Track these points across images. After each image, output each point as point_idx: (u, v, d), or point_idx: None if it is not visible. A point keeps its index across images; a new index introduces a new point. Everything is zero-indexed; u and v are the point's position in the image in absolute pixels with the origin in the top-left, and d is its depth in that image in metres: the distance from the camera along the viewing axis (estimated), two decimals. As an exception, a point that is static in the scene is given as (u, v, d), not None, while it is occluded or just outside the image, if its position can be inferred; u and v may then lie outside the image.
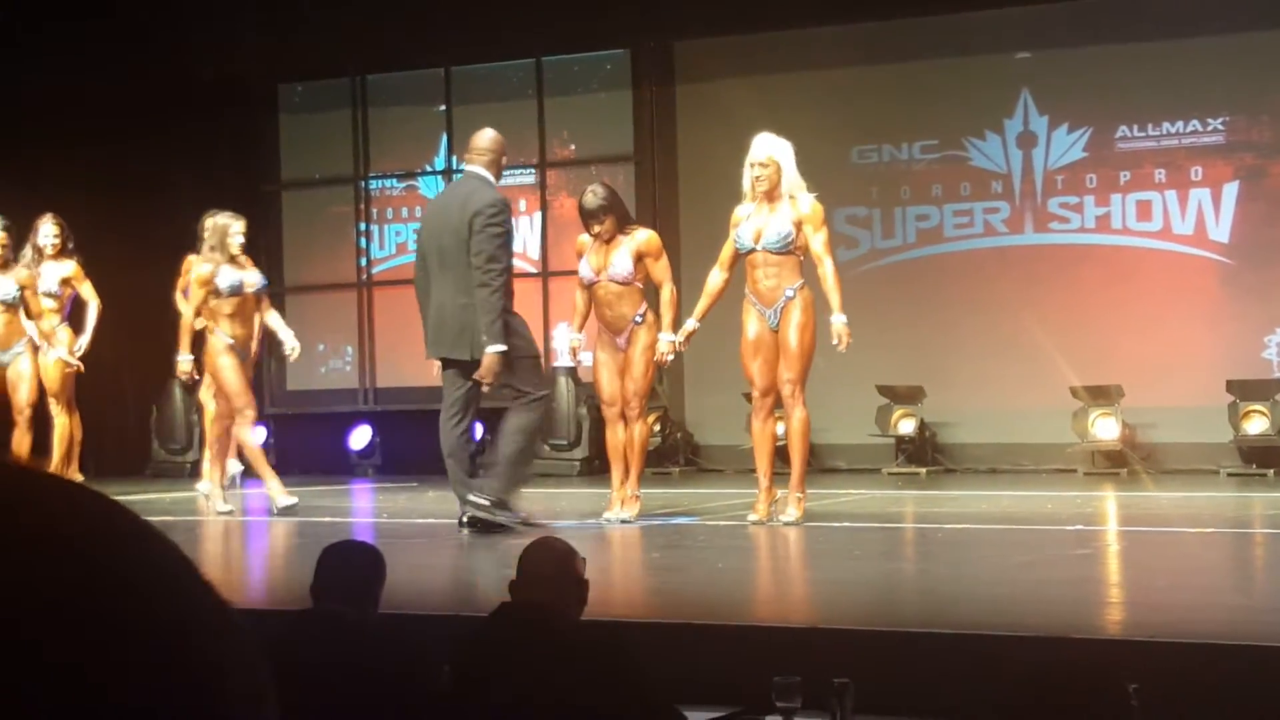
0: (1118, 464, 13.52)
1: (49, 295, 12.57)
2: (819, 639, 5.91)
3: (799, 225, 9.60)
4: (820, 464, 14.35)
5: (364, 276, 16.75)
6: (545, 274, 15.97)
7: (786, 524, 9.61)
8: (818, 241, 9.58)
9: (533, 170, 16.21)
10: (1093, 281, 14.27)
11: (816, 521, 9.81)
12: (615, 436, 10.27)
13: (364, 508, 13.10)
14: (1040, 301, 14.29)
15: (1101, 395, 13.64)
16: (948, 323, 14.64)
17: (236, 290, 11.53)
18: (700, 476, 14.62)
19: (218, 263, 11.55)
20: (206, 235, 11.66)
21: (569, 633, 4.50)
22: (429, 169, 16.66)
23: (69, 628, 0.72)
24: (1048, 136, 14.53)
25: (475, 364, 9.66)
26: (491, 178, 9.98)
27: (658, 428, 14.43)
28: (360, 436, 15.81)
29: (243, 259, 11.66)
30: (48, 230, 12.57)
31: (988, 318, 14.47)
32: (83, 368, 12.66)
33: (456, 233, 9.72)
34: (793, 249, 9.64)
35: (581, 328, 10.54)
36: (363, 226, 16.90)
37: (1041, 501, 11.27)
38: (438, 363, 10.02)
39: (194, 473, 14.28)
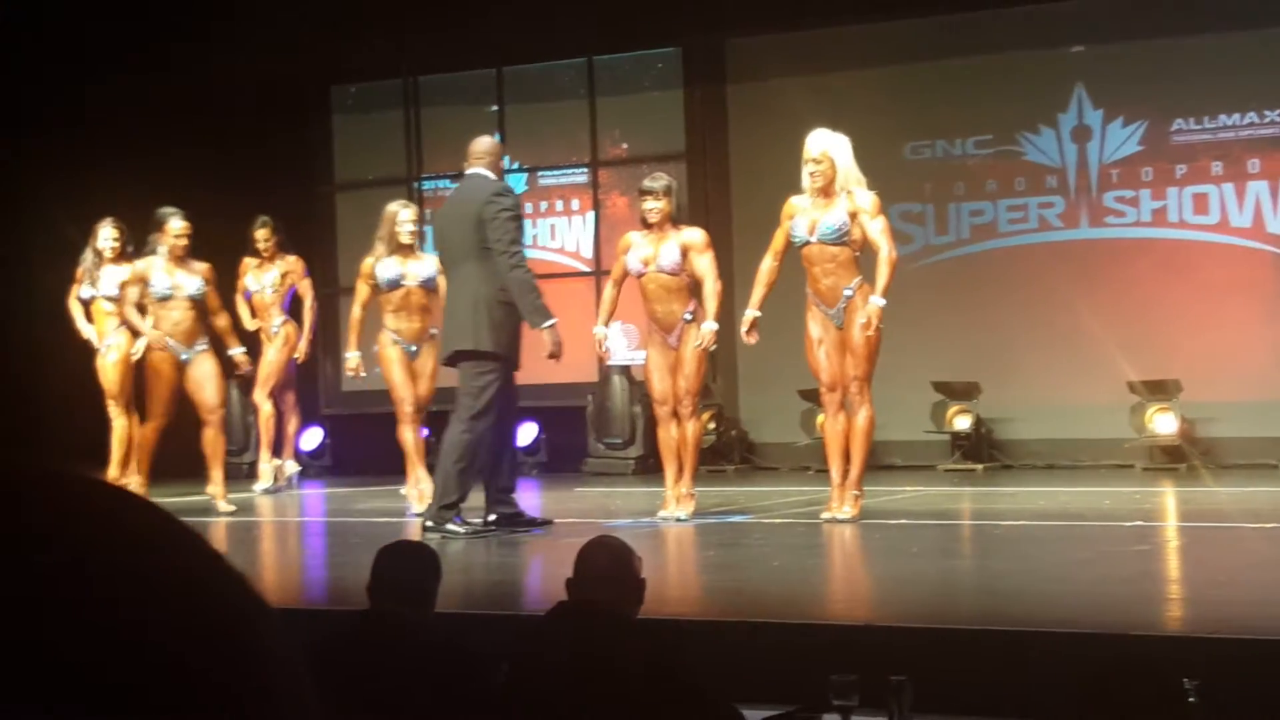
0: (1176, 459, 13.43)
1: (108, 299, 12.56)
2: (876, 636, 5.89)
3: (854, 216, 9.54)
4: (876, 461, 14.27)
5: (418, 277, 16.77)
6: (598, 273, 15.97)
7: (842, 521, 9.59)
8: (875, 228, 9.53)
9: (585, 170, 16.22)
10: (1149, 275, 14.18)
11: (873, 519, 9.78)
12: (668, 435, 10.26)
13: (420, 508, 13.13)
14: (1096, 296, 14.20)
15: (1159, 390, 13.55)
16: (1003, 318, 14.57)
17: (395, 284, 11.28)
18: (755, 474, 14.59)
19: (379, 255, 11.31)
20: (380, 226, 11.37)
21: (626, 631, 4.50)
22: (482, 169, 16.67)
23: (97, 630, 0.72)
24: (1103, 130, 14.45)
25: (487, 355, 9.65)
26: (494, 178, 9.99)
27: (712, 425, 14.41)
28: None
29: (417, 249, 11.38)
30: (107, 234, 12.59)
31: (1043, 313, 14.39)
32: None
33: (464, 230, 9.77)
34: (847, 241, 9.58)
35: (607, 321, 10.59)
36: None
37: (1099, 497, 11.21)
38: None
39: (250, 473, 14.34)
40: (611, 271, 10.61)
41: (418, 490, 11.18)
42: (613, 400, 14.85)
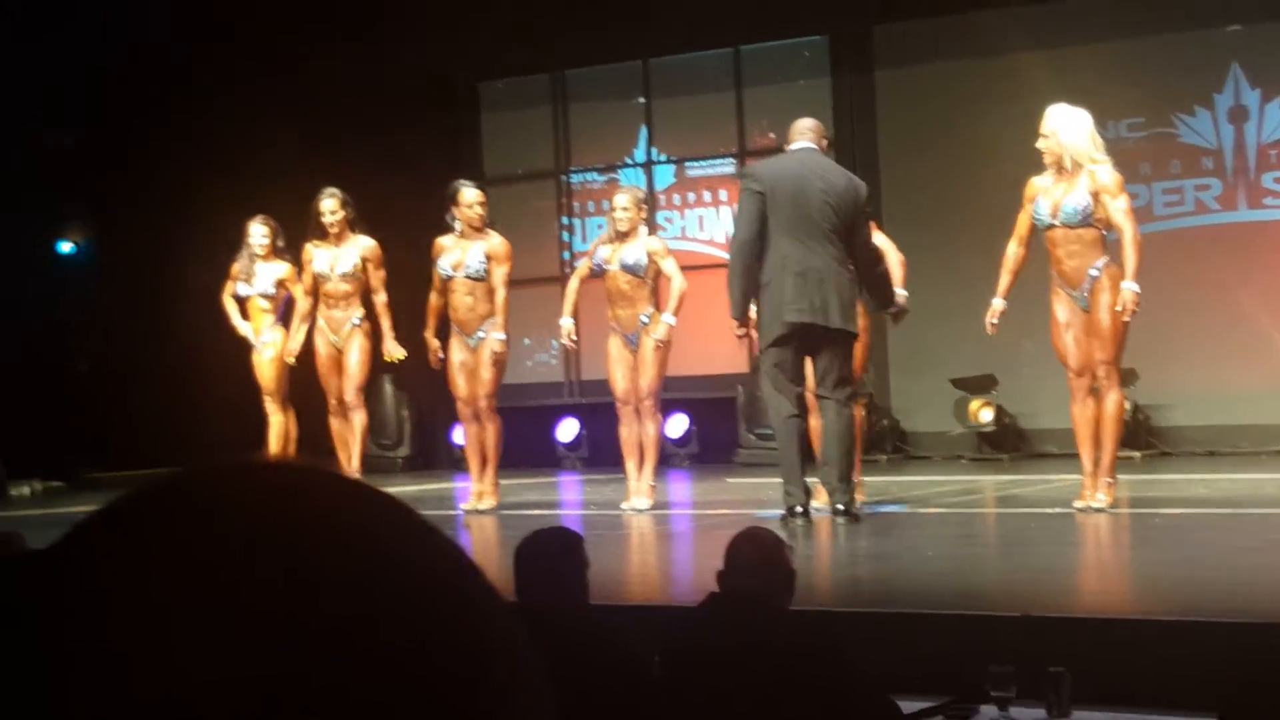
0: (1340, 445, 13.16)
1: (264, 296, 12.65)
2: (1033, 627, 5.82)
3: (1096, 196, 9.34)
4: (1032, 448, 14.15)
5: (567, 270, 16.85)
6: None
7: (1098, 510, 9.37)
8: (1117, 209, 9.33)
9: (732, 160, 16.19)
10: (1311, 257, 13.90)
11: (1027, 508, 9.67)
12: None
13: (572, 500, 13.20)
14: (1256, 279, 13.94)
15: (1322, 374, 13.28)
16: (1160, 303, 14.27)
17: (599, 272, 10.88)
18: (908, 464, 14.48)
19: (601, 239, 11.05)
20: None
21: (778, 622, 4.48)
22: (629, 161, 16.72)
23: (365, 622, 0.71)
24: (1260, 110, 14.17)
25: (853, 336, 9.51)
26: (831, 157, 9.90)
27: (863, 414, 14.30)
28: (567, 429, 15.92)
29: (641, 235, 10.78)
30: (258, 231, 12.62)
31: (1201, 297, 14.13)
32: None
33: (828, 204, 9.49)
34: (1092, 222, 9.38)
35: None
36: (565, 220, 17.02)
37: (1261, 484, 11.00)
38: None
39: (405, 468, 14.46)
40: None
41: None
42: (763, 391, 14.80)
